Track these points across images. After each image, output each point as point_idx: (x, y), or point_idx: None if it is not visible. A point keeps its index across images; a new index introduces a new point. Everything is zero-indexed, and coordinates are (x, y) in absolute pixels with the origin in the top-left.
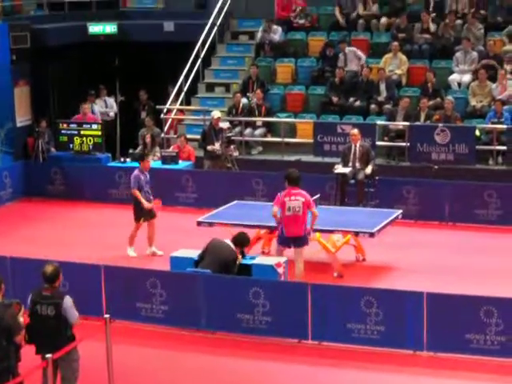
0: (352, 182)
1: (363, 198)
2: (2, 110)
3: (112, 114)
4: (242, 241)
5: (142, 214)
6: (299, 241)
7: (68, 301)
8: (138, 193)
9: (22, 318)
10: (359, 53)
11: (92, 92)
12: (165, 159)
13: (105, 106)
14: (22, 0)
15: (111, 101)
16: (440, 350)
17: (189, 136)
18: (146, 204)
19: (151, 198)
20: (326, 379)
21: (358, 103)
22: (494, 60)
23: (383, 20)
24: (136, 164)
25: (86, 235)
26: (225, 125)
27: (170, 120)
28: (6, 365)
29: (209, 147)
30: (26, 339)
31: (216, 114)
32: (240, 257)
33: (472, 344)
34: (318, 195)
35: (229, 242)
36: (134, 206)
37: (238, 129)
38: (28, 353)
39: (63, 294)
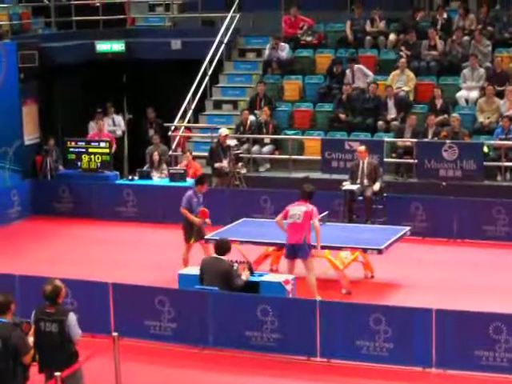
0: (360, 198)
1: (371, 214)
2: (11, 129)
3: (120, 132)
4: (222, 247)
5: (193, 234)
6: (300, 251)
7: (72, 318)
8: (186, 212)
9: (32, 338)
10: (366, 70)
11: (99, 110)
12: (173, 176)
13: (112, 124)
14: (31, 19)
15: (119, 119)
16: (449, 367)
17: (197, 153)
18: (196, 220)
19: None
20: None
21: (368, 121)
22: (501, 77)
23: (391, 37)
24: (143, 181)
25: (95, 253)
26: (232, 142)
27: (177, 137)
28: None
29: (216, 164)
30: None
31: (223, 131)
32: (248, 273)
33: (481, 361)
34: (326, 212)
35: (216, 255)
36: (184, 227)
37: (245, 146)
38: (33, 370)
39: (67, 311)
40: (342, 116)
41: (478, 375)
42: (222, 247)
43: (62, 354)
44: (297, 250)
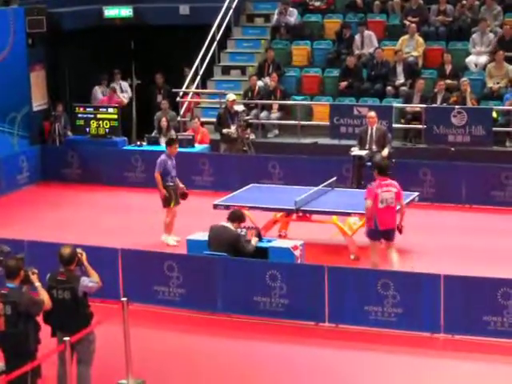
0: (368, 164)
1: None
2: (19, 95)
3: (126, 97)
4: (236, 216)
5: (172, 199)
6: (391, 234)
7: (84, 280)
8: (159, 177)
9: (38, 282)
10: (373, 39)
11: (105, 76)
12: (181, 143)
13: (120, 90)
14: None
15: (125, 85)
16: (457, 332)
17: (205, 119)
18: (162, 190)
19: (178, 183)
20: (342, 362)
21: (376, 86)
22: (510, 42)
23: (396, 0)
24: (152, 147)
25: (104, 219)
26: (240, 108)
27: (185, 103)
28: (25, 348)
29: (224, 130)
30: (44, 318)
31: (231, 96)
32: (256, 239)
33: (489, 326)
34: (334, 178)
35: (225, 223)
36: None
37: (253, 112)
38: (45, 334)
39: (78, 277)
40: (344, 84)
41: (485, 340)
42: (234, 215)
43: (75, 318)
44: (387, 233)
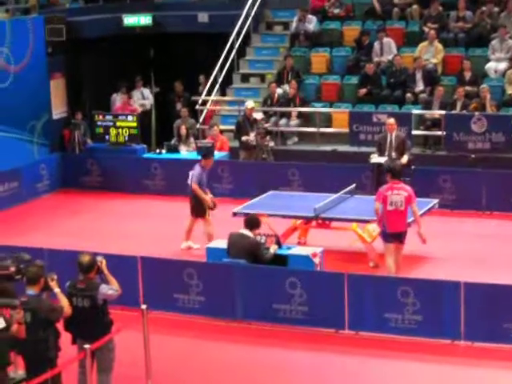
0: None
1: None
2: (39, 103)
3: (149, 105)
4: (254, 222)
5: (207, 209)
6: (401, 237)
7: (103, 288)
8: (198, 188)
9: (58, 289)
10: (393, 45)
11: (123, 83)
12: (200, 150)
13: (141, 97)
14: None
15: (147, 92)
16: (478, 340)
17: (224, 127)
18: (208, 199)
19: (208, 193)
20: (362, 369)
21: (395, 93)
22: None
23: (414, 7)
24: (171, 155)
25: (123, 227)
26: (259, 115)
27: (205, 111)
28: (46, 356)
29: (243, 138)
30: (64, 326)
31: (249, 104)
32: (276, 246)
33: (510, 333)
34: (353, 185)
35: (243, 230)
36: (194, 202)
37: (273, 119)
38: (66, 342)
39: (97, 285)
40: (363, 91)
41: (506, 347)
42: (250, 221)
43: (94, 326)
44: (397, 236)
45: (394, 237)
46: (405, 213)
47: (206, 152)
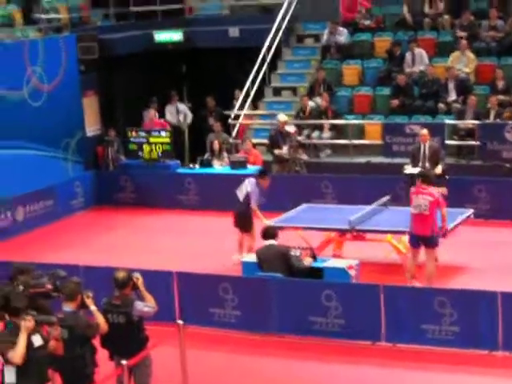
0: None
1: None
2: (72, 121)
3: (189, 119)
4: (271, 233)
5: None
6: (427, 241)
7: (138, 305)
8: (257, 210)
9: (94, 306)
10: (424, 56)
11: (154, 99)
12: (233, 164)
13: (176, 112)
14: (89, 11)
15: (183, 107)
16: None
17: (256, 140)
18: (265, 221)
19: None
20: (400, 381)
21: (428, 103)
22: None
23: (446, 17)
24: (204, 170)
25: (158, 242)
26: (291, 128)
27: (237, 125)
28: (83, 372)
29: (276, 151)
30: (101, 342)
31: (282, 117)
32: (311, 259)
33: None
34: (388, 196)
35: (267, 242)
36: (246, 218)
37: (305, 132)
38: (103, 359)
39: (132, 302)
40: (395, 102)
41: None
42: (269, 233)
43: (130, 342)
44: (423, 240)
45: (419, 240)
46: (430, 217)
47: (262, 172)
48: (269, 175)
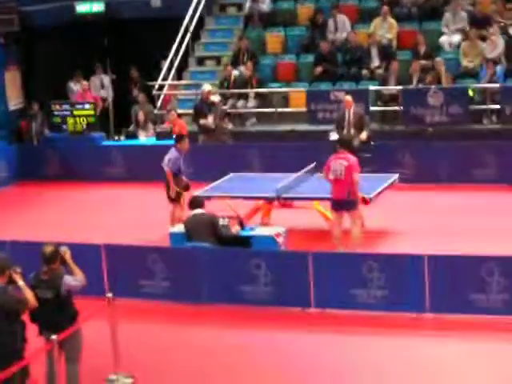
0: None
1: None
2: None
3: (109, 95)
4: (198, 202)
5: (182, 194)
6: (345, 204)
7: (67, 279)
8: (171, 175)
9: (22, 281)
10: (347, 23)
11: (78, 71)
12: (159, 135)
13: (100, 84)
14: None
15: (107, 80)
16: (443, 312)
17: (182, 111)
18: (175, 188)
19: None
20: (330, 346)
21: (351, 70)
22: (482, 20)
23: None
24: (130, 141)
25: (85, 215)
26: (216, 98)
27: (162, 96)
28: (13, 348)
29: (201, 121)
30: (30, 318)
31: (206, 87)
32: (239, 228)
33: (475, 303)
34: (314, 164)
35: (195, 211)
36: (169, 188)
37: (230, 101)
38: (32, 334)
39: (61, 276)
40: (319, 69)
41: (471, 317)
42: (196, 202)
43: (59, 317)
44: (342, 204)
45: (338, 205)
46: (345, 182)
47: (177, 136)
48: (185, 139)
